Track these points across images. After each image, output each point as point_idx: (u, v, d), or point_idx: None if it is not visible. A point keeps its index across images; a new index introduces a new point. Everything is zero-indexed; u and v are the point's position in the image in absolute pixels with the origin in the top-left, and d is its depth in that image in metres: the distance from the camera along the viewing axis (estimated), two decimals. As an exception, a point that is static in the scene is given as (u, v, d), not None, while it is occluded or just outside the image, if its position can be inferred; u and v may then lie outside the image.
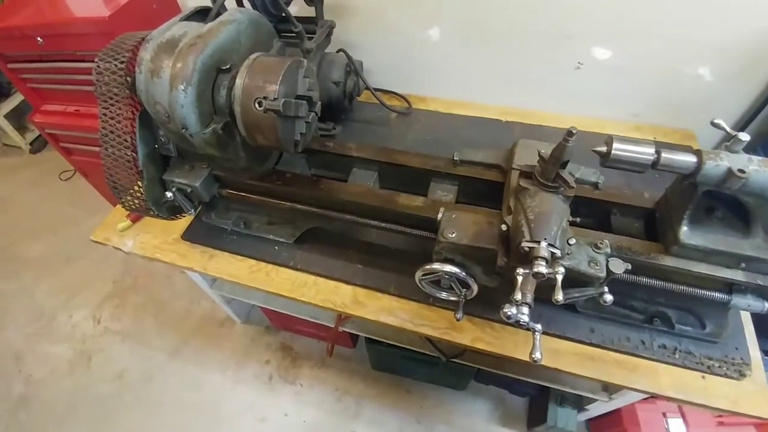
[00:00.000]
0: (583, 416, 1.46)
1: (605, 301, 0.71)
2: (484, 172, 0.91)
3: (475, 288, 0.78)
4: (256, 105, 0.76)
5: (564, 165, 0.67)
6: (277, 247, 1.09)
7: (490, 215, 0.80)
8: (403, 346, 1.44)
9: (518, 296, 0.60)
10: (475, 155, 0.92)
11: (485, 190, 0.92)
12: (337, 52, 1.31)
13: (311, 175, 1.09)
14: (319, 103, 0.89)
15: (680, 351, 0.87)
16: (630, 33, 1.15)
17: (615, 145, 0.67)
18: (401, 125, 1.41)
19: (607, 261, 0.72)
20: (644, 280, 0.78)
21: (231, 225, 1.13)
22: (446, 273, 0.76)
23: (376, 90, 1.42)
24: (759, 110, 1.20)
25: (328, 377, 1.76)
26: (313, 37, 1.12)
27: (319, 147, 1.02)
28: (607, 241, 0.74)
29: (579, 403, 1.40)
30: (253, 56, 0.80)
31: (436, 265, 0.77)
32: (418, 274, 0.81)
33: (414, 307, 0.97)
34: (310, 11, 1.21)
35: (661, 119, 1.32)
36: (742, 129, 1.26)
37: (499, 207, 0.85)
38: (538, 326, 0.64)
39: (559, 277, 0.59)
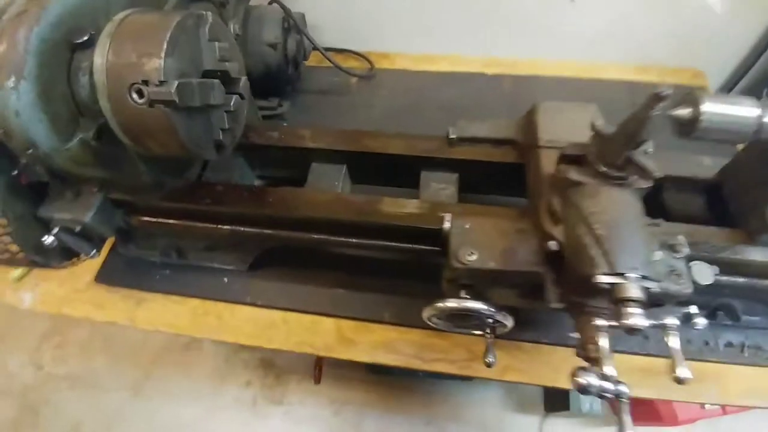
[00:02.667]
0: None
1: (697, 326, 0.50)
2: (492, 151, 0.66)
3: (509, 322, 0.56)
4: (134, 95, 0.46)
5: (639, 145, 0.43)
6: (226, 279, 0.83)
7: (515, 218, 0.57)
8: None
9: (607, 368, 0.38)
10: (479, 129, 0.66)
11: (495, 176, 0.68)
12: (270, 3, 0.99)
13: (254, 183, 0.81)
14: (245, 77, 0.59)
15: (748, 347, 0.70)
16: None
17: (707, 105, 0.43)
18: (365, 92, 1.12)
19: (689, 267, 0.51)
20: (725, 279, 0.58)
21: (159, 256, 0.85)
22: (470, 311, 0.53)
23: (328, 50, 1.11)
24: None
25: (320, 390, 1.56)
26: (228, -16, 0.80)
27: (261, 140, 0.73)
28: (682, 238, 0.52)
29: (599, 382, 1.28)
30: (120, 16, 0.49)
31: (453, 303, 0.54)
32: (427, 314, 0.57)
33: (419, 336, 0.75)
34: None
35: (668, 58, 1.10)
36: (750, 66, 1.07)
37: (515, 195, 0.62)
38: (625, 390, 0.42)
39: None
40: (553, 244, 0.46)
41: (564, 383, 0.69)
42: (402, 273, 0.76)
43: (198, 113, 0.52)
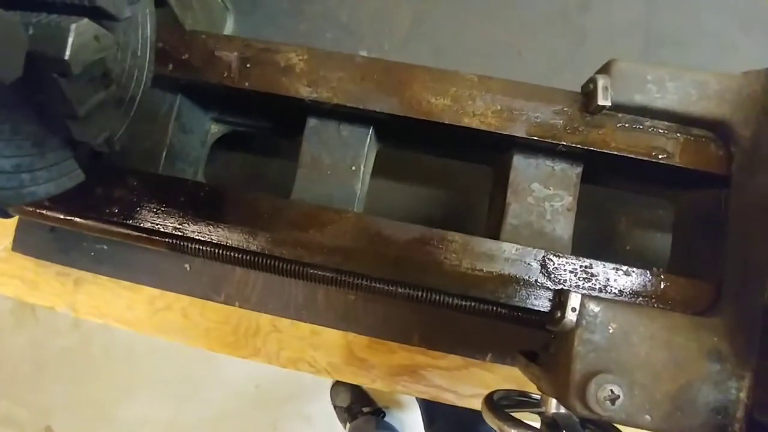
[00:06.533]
0: None
1: None
2: (668, 141, 0.33)
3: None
4: None
5: None
6: (188, 266, 0.59)
7: (699, 319, 0.29)
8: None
9: None
10: (658, 91, 0.32)
11: (646, 175, 0.37)
12: None
13: (208, 132, 0.48)
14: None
15: None
16: None
17: None
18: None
19: None
20: None
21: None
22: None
23: None
24: None
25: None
26: None
27: (207, 75, 0.39)
28: None
29: None
30: None
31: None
32: (494, 422, 0.35)
33: (456, 363, 0.56)
34: None
35: None
36: None
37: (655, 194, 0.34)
38: None
39: None
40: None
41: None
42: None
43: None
